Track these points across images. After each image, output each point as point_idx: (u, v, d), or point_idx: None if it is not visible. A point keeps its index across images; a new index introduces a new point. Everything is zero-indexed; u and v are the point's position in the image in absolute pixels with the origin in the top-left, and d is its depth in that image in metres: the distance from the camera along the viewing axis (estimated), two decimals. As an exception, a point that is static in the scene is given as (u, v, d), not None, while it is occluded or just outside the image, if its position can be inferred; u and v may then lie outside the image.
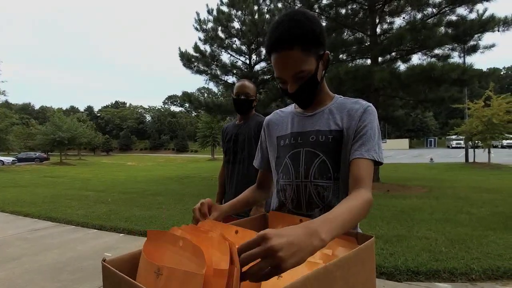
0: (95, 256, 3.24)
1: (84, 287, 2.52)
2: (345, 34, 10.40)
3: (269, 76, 15.16)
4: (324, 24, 10.58)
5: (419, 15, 8.81)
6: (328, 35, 10.43)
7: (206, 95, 70.30)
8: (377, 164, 0.82)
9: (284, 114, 1.00)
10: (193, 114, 73.69)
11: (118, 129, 70.37)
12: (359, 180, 0.76)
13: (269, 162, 1.02)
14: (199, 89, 75.51)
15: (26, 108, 69.23)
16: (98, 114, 76.15)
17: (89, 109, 79.04)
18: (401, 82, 7.55)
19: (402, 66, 9.18)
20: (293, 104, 0.98)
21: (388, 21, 9.57)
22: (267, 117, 1.07)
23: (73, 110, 72.65)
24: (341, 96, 0.93)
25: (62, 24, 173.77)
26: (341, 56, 10.06)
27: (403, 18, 9.15)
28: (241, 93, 1.80)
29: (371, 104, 0.87)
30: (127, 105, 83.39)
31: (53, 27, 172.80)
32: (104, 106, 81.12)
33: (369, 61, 9.35)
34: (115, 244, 3.65)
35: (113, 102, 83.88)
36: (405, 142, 43.54)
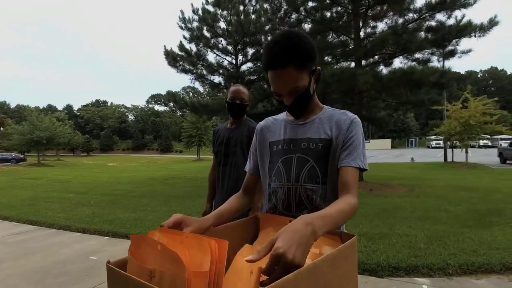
0: (80, 259, 3.20)
1: (70, 292, 2.50)
2: (330, 36, 10.65)
3: (255, 77, 15.24)
4: (309, 26, 10.81)
5: (400, 20, 9.16)
6: (313, 38, 10.66)
7: (191, 94, 69.55)
8: (362, 170, 0.91)
9: (277, 121, 1.08)
10: (178, 114, 72.69)
11: (99, 128, 68.38)
12: (347, 186, 0.86)
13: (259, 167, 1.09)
14: (184, 88, 74.55)
15: (1, 107, 66.13)
16: (78, 113, 73.74)
17: (68, 107, 76.44)
18: (384, 85, 7.82)
19: (384, 70, 9.53)
20: (285, 112, 1.06)
21: (372, 25, 9.88)
22: (260, 123, 1.14)
23: (51, 109, 70.09)
24: (330, 107, 1.03)
25: (39, 19, 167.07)
26: (326, 58, 10.28)
27: (386, 22, 9.49)
28: (237, 98, 1.86)
29: (356, 116, 0.98)
30: (109, 104, 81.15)
31: (29, 22, 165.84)
32: (84, 105, 78.57)
33: (353, 64, 9.61)
34: (100, 248, 3.61)
35: (94, 100, 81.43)
36: (387, 142, 44.80)
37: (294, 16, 10.25)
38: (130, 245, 0.66)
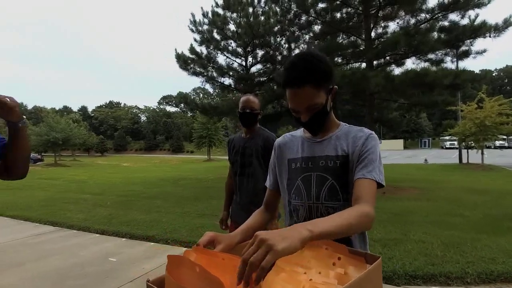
0: (99, 261, 3.28)
1: (90, 294, 2.56)
2: (340, 38, 10.56)
3: (265, 78, 15.24)
4: (319, 28, 10.74)
5: (412, 21, 8.99)
6: (323, 39, 10.59)
7: (201, 95, 70.14)
8: (379, 186, 0.89)
9: (294, 138, 1.09)
10: (188, 115, 73.45)
11: (113, 129, 69.68)
12: (359, 198, 0.84)
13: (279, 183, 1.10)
14: (194, 89, 75.24)
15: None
16: (92, 114, 75.31)
17: (83, 109, 78.13)
18: (395, 87, 7.70)
19: (396, 70, 9.37)
20: (301, 129, 1.07)
21: (383, 25, 9.74)
22: (278, 140, 1.15)
23: (66, 110, 71.69)
24: (346, 124, 1.03)
25: (55, 23, 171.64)
26: (336, 59, 10.20)
27: (397, 23, 9.33)
28: (247, 107, 1.88)
29: (373, 132, 0.97)
30: (122, 105, 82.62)
31: (46, 26, 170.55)
32: (98, 106, 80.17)
33: (363, 65, 9.50)
34: (118, 249, 3.68)
35: (108, 102, 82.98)
36: (399, 142, 44.02)
37: (304, 18, 10.19)
38: (167, 264, 0.67)
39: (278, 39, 13.57)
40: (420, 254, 3.09)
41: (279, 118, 14.04)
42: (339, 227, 0.69)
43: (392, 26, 9.52)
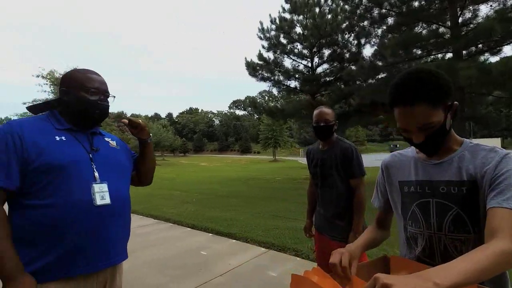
0: (192, 253, 3.58)
1: (188, 283, 2.80)
2: (419, 27, 9.38)
3: (331, 78, 14.63)
4: (393, 20, 9.73)
5: (510, 2, 7.37)
6: (398, 31, 9.56)
7: (267, 98, 71.62)
8: None
9: (405, 158, 0.95)
10: (255, 117, 75.86)
11: (192, 132, 76.85)
12: (495, 231, 0.67)
13: (389, 202, 1.00)
14: (260, 93, 77.38)
15: (120, 116, 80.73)
16: (176, 120, 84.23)
17: (169, 115, 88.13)
18: (493, 79, 6.42)
19: (491, 59, 7.83)
20: (412, 148, 0.93)
21: (472, 9, 8.26)
22: (386, 159, 1.02)
23: (156, 117, 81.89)
24: (471, 141, 0.85)
25: (146, 47, 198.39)
26: (414, 51, 9.09)
27: (491, 6, 7.78)
28: (321, 120, 1.80)
29: (510, 152, 0.77)
30: (199, 110, 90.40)
31: (147, 51, 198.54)
32: (180, 113, 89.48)
33: (448, 55, 8.22)
34: (206, 244, 3.97)
35: (188, 108, 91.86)
36: (496, 141, 36.70)
37: (376, 11, 9.38)
38: (291, 283, 0.73)
39: (346, 36, 12.86)
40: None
41: (348, 118, 13.28)
42: (472, 275, 0.55)
43: (484, 9, 8.01)
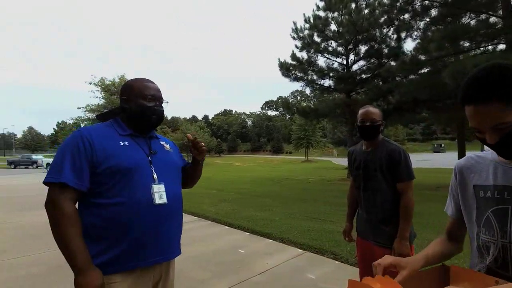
0: (231, 251, 3.67)
1: (230, 280, 2.87)
2: (467, 18, 8.59)
3: (368, 75, 14.00)
4: (436, 11, 9.01)
5: None
6: (442, 23, 8.83)
7: (299, 97, 70.78)
8: None
9: (482, 160, 0.88)
10: (287, 117, 75.38)
11: (226, 133, 78.78)
12: None
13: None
14: (292, 93, 76.78)
15: (175, 122, 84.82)
16: (212, 122, 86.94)
17: (205, 117, 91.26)
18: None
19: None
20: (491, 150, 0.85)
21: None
22: (460, 162, 0.94)
23: (194, 119, 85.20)
24: None
25: (193, 55, 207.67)
26: (462, 43, 8.33)
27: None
28: (367, 120, 1.71)
29: None
30: (233, 112, 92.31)
31: (187, 58, 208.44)
32: (216, 114, 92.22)
33: (500, 47, 7.40)
34: (244, 242, 4.04)
35: (222, 110, 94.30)
36: None
37: (418, 3, 8.78)
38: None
39: (385, 31, 12.20)
40: None
41: (386, 117, 12.63)
42: None
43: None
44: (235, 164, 30.28)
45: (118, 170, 1.07)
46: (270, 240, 4.08)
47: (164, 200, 1.14)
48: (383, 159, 1.70)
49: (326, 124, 41.73)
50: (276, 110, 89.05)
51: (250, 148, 71.34)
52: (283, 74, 14.69)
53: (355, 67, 14.54)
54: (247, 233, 4.47)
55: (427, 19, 9.27)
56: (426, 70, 9.42)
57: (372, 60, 13.74)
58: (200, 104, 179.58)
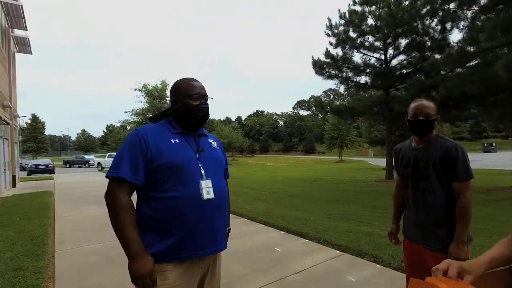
0: (267, 249, 3.67)
1: (267, 277, 2.87)
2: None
3: (409, 70, 13.12)
4: (485, 0, 8.13)
5: None
6: (493, 11, 7.94)
7: (332, 96, 68.67)
8: None
9: None
10: (319, 117, 73.60)
11: (259, 134, 79.31)
12: None
13: None
14: (325, 92, 74.76)
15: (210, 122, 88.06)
16: (245, 123, 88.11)
17: (238, 118, 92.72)
18: None
19: None
20: None
21: None
22: None
23: (227, 120, 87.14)
24: None
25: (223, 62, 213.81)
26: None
27: None
28: (420, 114, 1.57)
29: None
30: (265, 113, 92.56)
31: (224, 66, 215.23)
32: (248, 115, 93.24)
33: None
34: (280, 241, 4.01)
35: (255, 111, 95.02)
36: None
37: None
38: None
39: (427, 22, 11.34)
40: None
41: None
42: None
43: None
44: (267, 164, 30.40)
45: (170, 167, 1.14)
46: (306, 240, 4.01)
47: (211, 195, 1.18)
48: (437, 156, 1.56)
49: (362, 123, 39.96)
50: (308, 109, 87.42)
51: (281, 148, 71.01)
52: (316, 72, 14.36)
53: (394, 62, 13.73)
54: (282, 232, 4.45)
55: (476, 8, 8.42)
56: (475, 63, 8.57)
57: (414, 54, 12.86)
58: (234, 105, 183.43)
